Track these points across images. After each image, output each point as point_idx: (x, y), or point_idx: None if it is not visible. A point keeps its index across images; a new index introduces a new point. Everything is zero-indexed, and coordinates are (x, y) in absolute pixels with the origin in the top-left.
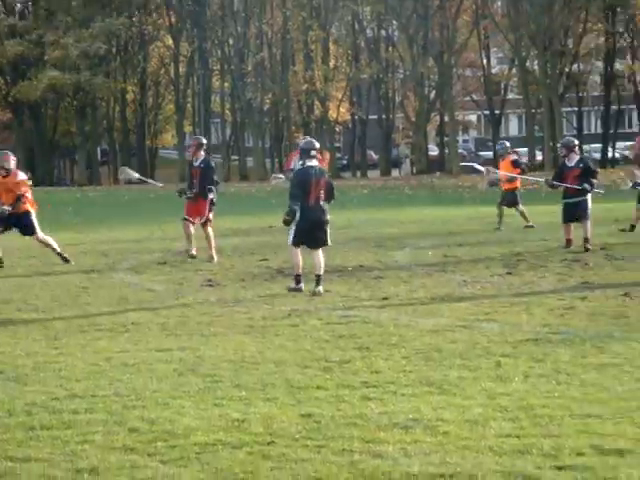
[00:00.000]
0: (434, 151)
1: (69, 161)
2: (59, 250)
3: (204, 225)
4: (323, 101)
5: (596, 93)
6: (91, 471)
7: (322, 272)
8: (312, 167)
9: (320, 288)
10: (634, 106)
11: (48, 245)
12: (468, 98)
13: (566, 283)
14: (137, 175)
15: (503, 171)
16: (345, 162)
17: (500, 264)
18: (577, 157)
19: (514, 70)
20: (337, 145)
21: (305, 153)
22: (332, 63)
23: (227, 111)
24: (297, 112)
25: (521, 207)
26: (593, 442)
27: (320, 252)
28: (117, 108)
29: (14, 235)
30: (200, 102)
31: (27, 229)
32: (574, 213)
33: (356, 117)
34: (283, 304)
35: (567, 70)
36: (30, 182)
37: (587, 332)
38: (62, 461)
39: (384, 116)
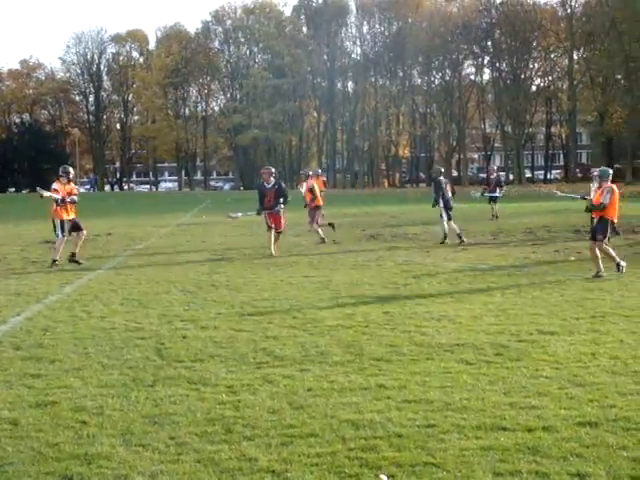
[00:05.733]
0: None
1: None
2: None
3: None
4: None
5: (541, 144)
6: (274, 338)
7: None
8: None
9: None
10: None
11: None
12: (473, 145)
13: (525, 245)
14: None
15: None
16: None
17: (490, 234)
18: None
19: (498, 130)
20: None
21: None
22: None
23: (345, 151)
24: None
25: None
26: (537, 327)
27: None
28: (287, 149)
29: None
30: (329, 145)
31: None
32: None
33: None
34: (373, 253)
35: (526, 131)
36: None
37: (535, 271)
38: (258, 332)
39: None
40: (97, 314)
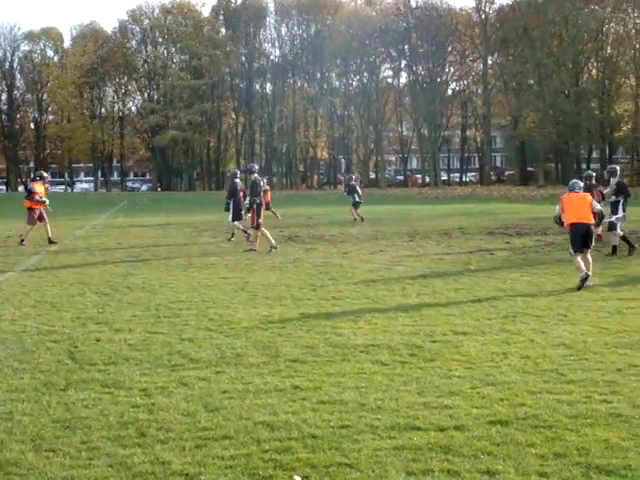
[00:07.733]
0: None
1: (180, 179)
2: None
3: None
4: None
5: (457, 146)
6: (189, 340)
7: None
8: None
9: None
10: (475, 153)
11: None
12: (391, 148)
13: (440, 247)
14: None
15: None
16: None
17: (406, 235)
18: None
19: (415, 133)
20: None
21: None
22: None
23: (263, 153)
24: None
25: None
26: (451, 328)
27: None
28: (205, 151)
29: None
30: (248, 147)
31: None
32: None
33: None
34: (290, 255)
35: (442, 134)
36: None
37: (449, 272)
38: (174, 334)
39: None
40: (8, 317)
